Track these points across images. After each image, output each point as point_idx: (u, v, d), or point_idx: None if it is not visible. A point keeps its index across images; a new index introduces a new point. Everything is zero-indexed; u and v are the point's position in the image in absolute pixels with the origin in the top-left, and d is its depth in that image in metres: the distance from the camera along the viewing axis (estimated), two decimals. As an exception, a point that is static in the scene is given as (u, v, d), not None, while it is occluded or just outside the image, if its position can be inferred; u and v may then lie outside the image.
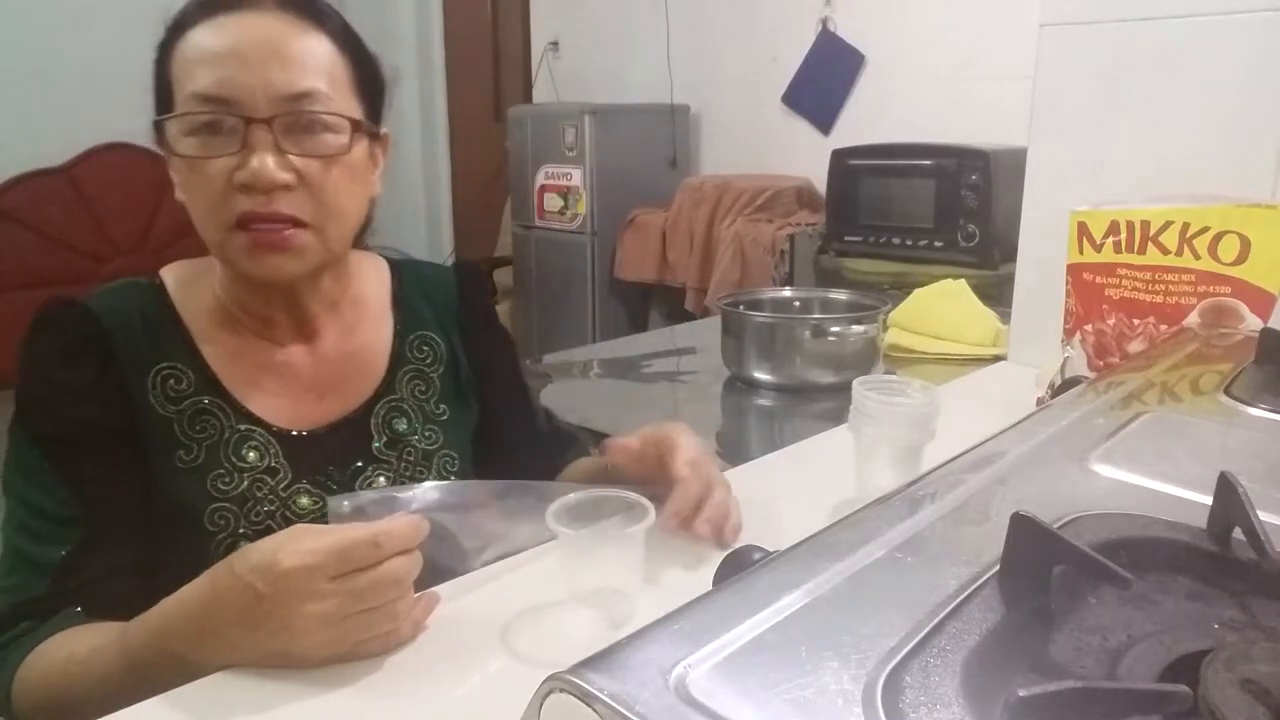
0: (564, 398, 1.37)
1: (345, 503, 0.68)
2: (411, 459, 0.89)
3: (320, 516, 0.78)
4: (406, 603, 0.64)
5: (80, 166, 4.35)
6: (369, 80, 0.85)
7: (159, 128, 0.78)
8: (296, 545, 0.60)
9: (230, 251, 0.78)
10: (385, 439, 0.88)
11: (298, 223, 0.77)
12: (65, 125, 4.24)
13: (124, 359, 0.80)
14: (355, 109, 0.82)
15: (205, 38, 0.76)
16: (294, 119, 0.76)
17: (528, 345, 3.69)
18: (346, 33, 0.83)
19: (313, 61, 0.78)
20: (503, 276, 4.15)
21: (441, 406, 0.93)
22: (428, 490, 0.72)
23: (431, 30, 4.98)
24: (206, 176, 0.76)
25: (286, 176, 0.76)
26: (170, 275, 0.87)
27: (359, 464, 0.86)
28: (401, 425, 0.90)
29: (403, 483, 0.86)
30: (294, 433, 0.85)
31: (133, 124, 0.88)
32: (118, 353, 0.80)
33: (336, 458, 0.85)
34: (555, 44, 4.29)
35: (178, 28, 0.78)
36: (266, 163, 0.74)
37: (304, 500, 0.82)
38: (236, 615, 0.60)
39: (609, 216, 3.56)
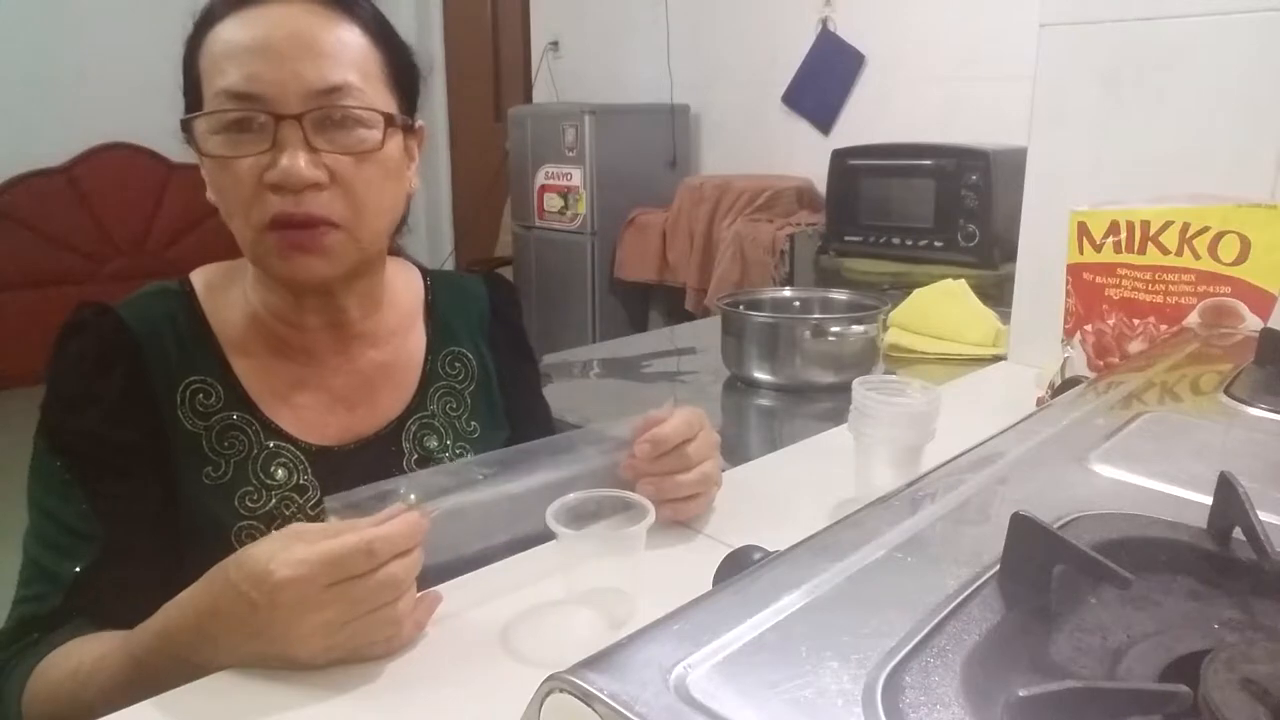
0: (564, 398, 1.37)
1: (335, 507, 0.67)
2: None
3: None
4: (407, 604, 0.62)
5: (80, 166, 4.35)
6: (402, 71, 0.82)
7: (186, 127, 0.75)
8: (289, 554, 0.58)
9: (262, 253, 0.76)
10: (417, 456, 0.87)
11: (329, 224, 0.75)
12: (65, 125, 4.24)
13: (153, 372, 0.78)
14: (389, 102, 0.79)
15: (233, 32, 0.73)
16: (325, 114, 0.74)
17: (528, 345, 3.69)
18: (379, 23, 0.80)
19: (345, 54, 0.75)
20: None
21: (473, 424, 0.92)
22: (424, 476, 0.71)
23: (431, 30, 4.98)
24: (236, 176, 0.73)
25: (318, 175, 0.73)
26: (200, 280, 0.85)
27: None
28: (433, 442, 0.88)
29: None
30: (324, 449, 0.83)
31: (133, 124, 0.88)
32: (147, 365, 0.78)
33: (367, 475, 0.82)
34: (555, 44, 4.29)
35: (205, 22, 0.76)
36: (297, 161, 0.72)
37: (333, 519, 0.82)
38: (235, 623, 0.60)
39: (609, 216, 3.56)
